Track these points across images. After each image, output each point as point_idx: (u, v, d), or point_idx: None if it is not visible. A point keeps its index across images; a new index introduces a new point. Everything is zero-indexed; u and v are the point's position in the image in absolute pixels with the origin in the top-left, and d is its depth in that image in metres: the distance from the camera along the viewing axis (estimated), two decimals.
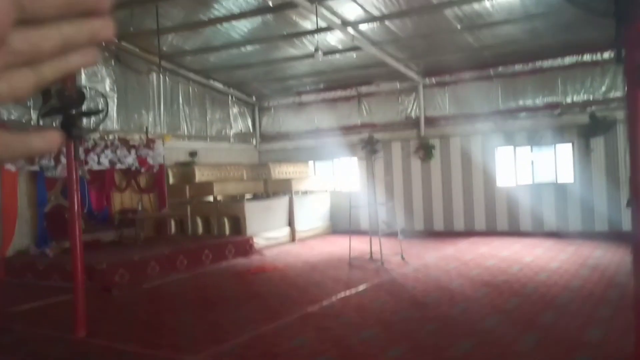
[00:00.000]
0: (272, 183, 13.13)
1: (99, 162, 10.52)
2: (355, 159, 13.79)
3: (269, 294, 7.21)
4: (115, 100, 11.55)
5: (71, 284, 8.17)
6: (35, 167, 9.47)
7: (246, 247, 10.81)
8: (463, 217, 12.39)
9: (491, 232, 11.86)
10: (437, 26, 10.06)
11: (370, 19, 9.86)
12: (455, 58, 11.71)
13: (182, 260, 9.35)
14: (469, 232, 12.07)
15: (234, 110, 14.97)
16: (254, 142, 15.52)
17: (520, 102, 11.71)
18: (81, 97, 5.54)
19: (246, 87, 14.82)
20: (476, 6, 9.10)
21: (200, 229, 11.97)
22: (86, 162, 10.24)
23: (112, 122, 11.60)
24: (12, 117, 9.71)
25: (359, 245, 10.90)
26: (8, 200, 9.10)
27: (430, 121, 12.83)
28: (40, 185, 9.61)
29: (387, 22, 10.02)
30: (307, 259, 9.96)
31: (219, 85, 14.25)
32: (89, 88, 5.71)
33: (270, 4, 9.52)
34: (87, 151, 10.27)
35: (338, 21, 9.94)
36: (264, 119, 15.55)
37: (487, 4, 9.00)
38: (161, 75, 12.73)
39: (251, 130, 15.50)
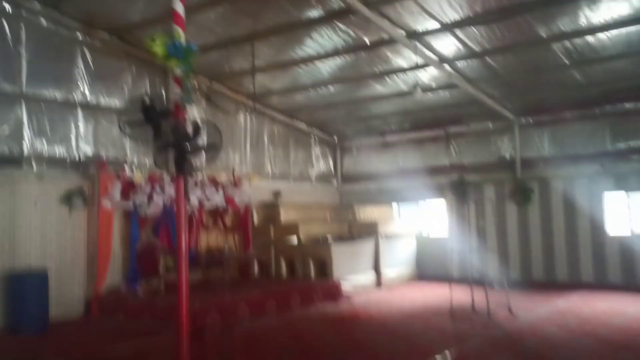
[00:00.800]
0: (357, 225, 12.67)
1: (188, 201, 10.46)
2: (443, 202, 13.13)
3: (373, 345, 6.65)
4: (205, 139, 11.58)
5: (162, 324, 8.00)
6: (130, 205, 9.50)
7: (334, 292, 10.32)
8: (567, 267, 11.36)
9: (601, 284, 10.75)
10: (542, 61, 9.48)
11: (470, 55, 9.43)
12: (557, 95, 11.03)
13: (272, 304, 8.97)
14: (575, 284, 11.01)
15: (316, 150, 14.80)
16: (336, 182, 15.21)
17: (632, 143, 10.76)
18: (197, 131, 5.38)
19: (328, 127, 14.65)
20: (590, 39, 8.49)
21: (284, 271, 11.61)
22: None
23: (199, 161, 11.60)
24: (110, 155, 9.86)
25: (454, 294, 10.18)
26: (104, 238, 9.11)
27: (527, 163, 12.06)
28: (133, 223, 9.61)
29: (487, 58, 9.55)
30: (401, 307, 9.32)
31: (303, 125, 14.15)
32: (204, 121, 5.52)
33: (367, 42, 9.31)
34: None
35: (435, 58, 9.57)
36: (346, 159, 15.27)
37: (603, 37, 8.36)
38: (248, 115, 12.77)
39: (333, 171, 15.23)
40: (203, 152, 5.46)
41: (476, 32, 8.59)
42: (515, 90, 11.15)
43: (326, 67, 10.67)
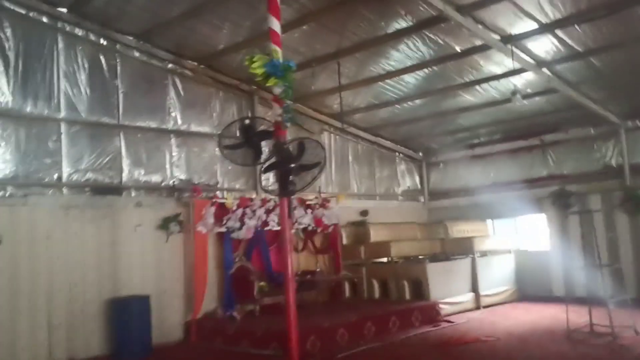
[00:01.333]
0: (450, 243, 12.08)
1: (278, 223, 10.38)
2: (542, 216, 12.26)
3: None
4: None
5: (261, 350, 7.87)
6: (223, 229, 9.53)
7: (433, 314, 9.79)
8: None
9: None
10: None
11: (572, 55, 8.75)
12: None
13: (370, 328, 8.60)
14: None
15: (401, 167, 14.40)
16: (423, 199, 14.70)
17: None
18: (301, 150, 5.22)
19: (413, 143, 14.22)
20: None
21: (376, 293, 11.21)
22: (267, 224, 10.17)
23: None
24: (203, 180, 9.99)
25: (562, 314, 9.38)
26: (200, 264, 9.16)
27: (638, 169, 11.04)
28: (227, 247, 9.61)
29: (591, 58, 8.84)
30: (508, 330, 8.64)
31: (387, 143, 13.82)
32: (309, 140, 5.34)
33: (458, 49, 8.90)
34: (268, 212, 10.20)
35: (532, 62, 8.98)
36: (432, 174, 14.73)
37: None
38: (332, 135, 12.63)
39: (419, 187, 14.74)
40: (307, 171, 5.24)
41: (579, 30, 7.96)
42: (620, 91, 10.26)
43: (412, 80, 10.34)
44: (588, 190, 11.56)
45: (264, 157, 5.40)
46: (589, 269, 9.06)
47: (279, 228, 10.29)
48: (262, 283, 9.64)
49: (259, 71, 4.97)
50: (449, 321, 9.71)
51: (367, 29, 8.46)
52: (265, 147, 5.57)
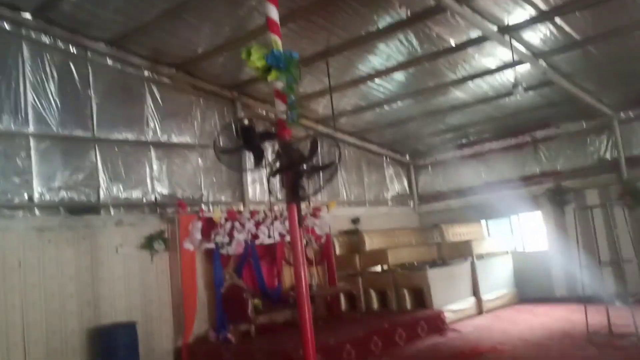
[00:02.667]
0: (447, 247, 11.64)
1: (269, 236, 9.78)
2: (538, 214, 11.93)
3: None
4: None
5: None
6: (211, 245, 8.88)
7: (438, 323, 9.29)
8: None
9: None
10: None
11: (570, 45, 8.43)
12: None
13: (377, 342, 8.04)
14: None
15: (390, 171, 13.95)
16: (412, 203, 14.26)
17: None
18: (313, 150, 4.65)
19: (400, 146, 13.81)
20: None
21: (375, 304, 10.67)
22: (257, 237, 9.56)
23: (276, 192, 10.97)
24: (187, 194, 9.32)
25: (571, 316, 9.06)
26: (188, 283, 8.48)
27: (633, 161, 10.81)
28: (216, 264, 8.95)
29: (590, 47, 8.54)
30: (521, 336, 8.19)
31: (374, 147, 13.37)
32: (321, 136, 4.78)
33: (453, 43, 8.50)
34: (257, 224, 9.60)
35: (528, 53, 8.65)
36: (421, 178, 14.33)
37: None
38: (318, 141, 12.07)
39: (408, 192, 14.31)
40: (320, 172, 4.68)
41: (579, 16, 7.63)
42: (615, 81, 10.01)
43: (401, 78, 9.90)
44: (584, 185, 11.30)
45: (265, 159, 4.81)
46: (593, 267, 8.66)
47: (271, 241, 9.75)
48: (256, 301, 8.99)
49: (259, 64, 4.41)
50: (455, 330, 9.22)
51: (358, 23, 7.96)
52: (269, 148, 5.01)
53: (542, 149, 12.12)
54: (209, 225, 8.92)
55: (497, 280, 11.46)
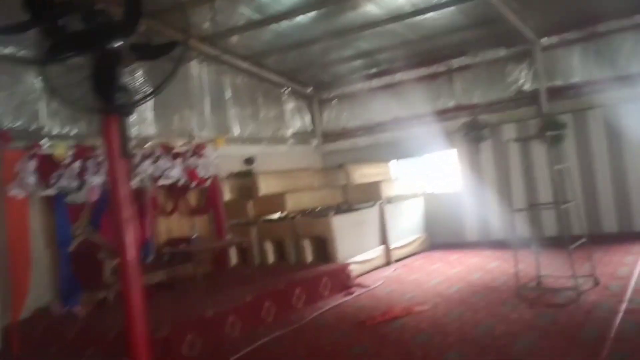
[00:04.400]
0: (353, 190, 10.23)
1: (133, 179, 7.75)
2: (453, 152, 10.80)
3: None
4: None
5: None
6: (51, 191, 6.72)
7: (343, 279, 7.90)
8: (615, 215, 9.33)
9: None
10: None
11: None
12: (594, 4, 8.74)
13: (269, 309, 6.48)
14: (626, 235, 9.02)
15: (290, 105, 12.16)
16: (315, 142, 12.66)
17: None
18: (134, 18, 2.71)
19: (302, 75, 11.99)
20: None
21: (270, 257, 9.10)
22: None
23: (148, 125, 8.86)
24: (18, 125, 6.97)
25: (488, 264, 8.12)
26: (16, 241, 6.31)
27: (555, 93, 9.84)
28: (60, 216, 6.84)
29: None
30: (439, 292, 6.99)
31: (272, 75, 11.45)
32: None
33: None
34: None
35: None
36: (325, 113, 12.71)
37: None
38: (206, 65, 9.97)
39: (311, 128, 12.66)
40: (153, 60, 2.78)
41: None
42: (538, 1, 8.77)
43: None
44: (501, 120, 10.26)
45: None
46: (508, 210, 7.54)
47: (138, 185, 7.74)
48: (117, 260, 7.02)
49: None
50: (362, 285, 7.89)
51: None
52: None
53: (458, 79, 10.87)
54: (49, 165, 6.73)
55: (407, 226, 10.30)
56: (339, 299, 7.18)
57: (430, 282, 7.62)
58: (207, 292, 6.89)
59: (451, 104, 10.94)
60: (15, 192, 6.33)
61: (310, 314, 6.54)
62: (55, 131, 7.45)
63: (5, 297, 6.30)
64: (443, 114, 10.90)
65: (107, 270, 6.77)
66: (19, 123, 6.97)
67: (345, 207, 9.81)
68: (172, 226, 8.47)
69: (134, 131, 8.54)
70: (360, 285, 7.85)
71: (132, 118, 8.57)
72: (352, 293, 7.48)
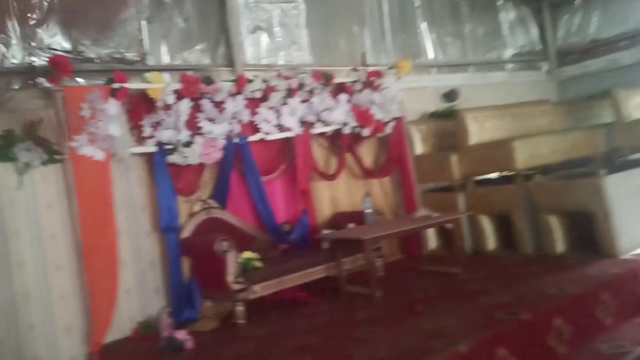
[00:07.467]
0: (628, 131, 6.24)
1: (278, 125, 5.10)
2: None
3: None
4: (304, 9, 6.11)
5: None
6: (151, 147, 4.40)
7: (634, 290, 4.28)
8: None
9: None
10: None
11: None
12: None
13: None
14: None
15: (509, 15, 8.42)
16: (547, 66, 8.73)
17: None
18: None
19: None
20: None
21: (490, 241, 5.80)
22: (255, 129, 4.96)
23: (298, 49, 6.11)
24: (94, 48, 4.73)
25: None
26: (92, 224, 4.08)
27: None
28: (161, 184, 4.48)
29: None
30: None
31: None
32: None
33: None
34: (252, 103, 4.96)
35: None
36: (562, 22, 8.65)
37: None
38: None
39: (539, 47, 8.75)
40: None
41: None
42: None
43: None
44: None
45: None
46: None
47: (279, 135, 5.12)
48: (247, 254, 4.47)
49: None
50: None
51: None
52: None
53: None
54: (141, 107, 4.40)
55: None
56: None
57: None
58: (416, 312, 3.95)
59: None
60: (87, 150, 4.06)
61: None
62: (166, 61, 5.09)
63: (85, 313, 4.19)
64: None
65: (230, 269, 4.23)
66: (96, 45, 4.68)
67: (618, 159, 5.91)
68: (336, 195, 5.68)
69: (280, 57, 5.93)
70: None
71: (278, 39, 5.94)
72: None
